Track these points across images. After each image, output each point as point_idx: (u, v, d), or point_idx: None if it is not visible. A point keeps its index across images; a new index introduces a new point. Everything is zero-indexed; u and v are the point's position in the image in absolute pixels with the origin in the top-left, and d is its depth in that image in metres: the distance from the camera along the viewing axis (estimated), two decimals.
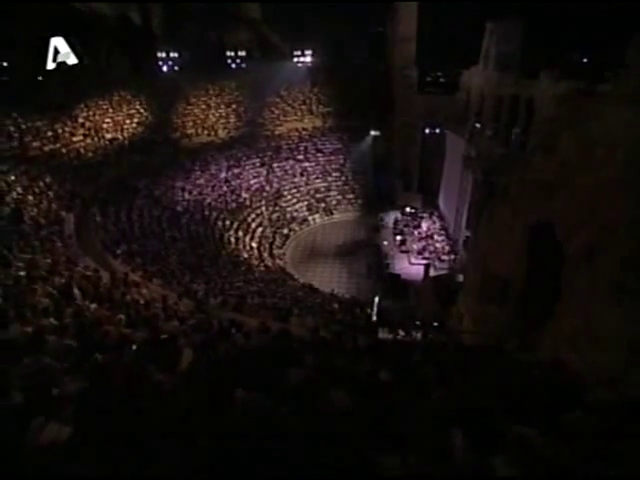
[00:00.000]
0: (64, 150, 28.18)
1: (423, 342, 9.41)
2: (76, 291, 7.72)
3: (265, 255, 26.50)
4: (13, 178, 20.06)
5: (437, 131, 34.76)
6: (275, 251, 27.94)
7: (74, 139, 30.01)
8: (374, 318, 12.76)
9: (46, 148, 27.13)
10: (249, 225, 29.67)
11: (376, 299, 13.96)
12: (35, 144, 26.57)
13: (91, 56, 39.06)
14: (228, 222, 28.43)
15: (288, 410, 3.17)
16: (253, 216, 30.94)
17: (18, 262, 9.24)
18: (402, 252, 27.04)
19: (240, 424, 2.87)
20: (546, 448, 2.82)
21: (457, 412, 3.26)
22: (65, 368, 3.56)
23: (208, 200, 30.00)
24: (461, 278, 18.74)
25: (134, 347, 4.22)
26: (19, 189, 19.02)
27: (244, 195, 32.75)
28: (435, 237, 28.14)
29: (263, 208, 32.39)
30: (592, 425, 3.49)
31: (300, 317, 10.52)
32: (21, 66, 34.37)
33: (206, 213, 28.19)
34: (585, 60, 44.56)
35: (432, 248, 26.78)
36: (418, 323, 11.41)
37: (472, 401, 3.72)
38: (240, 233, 27.94)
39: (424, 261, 24.65)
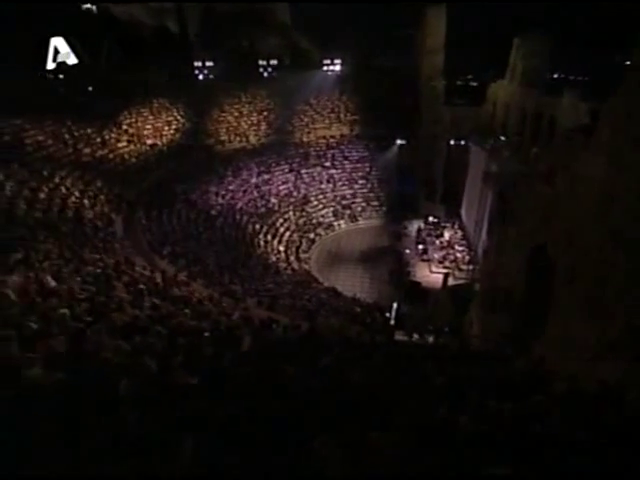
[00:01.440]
0: (111, 155, 30.59)
1: (432, 344, 10.64)
2: (142, 287, 9.39)
3: (292, 258, 28.07)
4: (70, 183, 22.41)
5: (462, 143, 35.57)
6: (301, 255, 29.47)
7: (119, 145, 32.42)
8: (392, 322, 14.02)
9: (96, 154, 29.62)
10: (277, 229, 31.33)
11: (395, 304, 15.21)
12: (86, 150, 29.01)
13: (131, 62, 41.45)
14: (258, 226, 30.18)
15: (318, 383, 4.60)
16: (281, 221, 32.60)
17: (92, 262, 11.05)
18: (423, 261, 28.06)
19: (289, 391, 4.30)
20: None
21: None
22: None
23: (239, 204, 31.85)
24: (477, 287, 19.77)
25: (206, 334, 5.73)
26: (77, 193, 21.26)
27: (273, 200, 34.46)
28: (456, 247, 29.03)
29: (291, 213, 34.01)
30: (547, 408, 4.77)
31: (326, 318, 11.95)
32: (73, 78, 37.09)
33: (237, 217, 30.03)
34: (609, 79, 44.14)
35: (452, 258, 27.71)
36: (431, 328, 12.62)
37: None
38: (269, 237, 29.63)
39: (444, 270, 25.64)
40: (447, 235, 31.29)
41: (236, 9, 72.06)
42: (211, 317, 7.85)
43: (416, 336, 12.29)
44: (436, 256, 28.31)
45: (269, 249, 27.75)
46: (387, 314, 14.66)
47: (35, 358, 3.69)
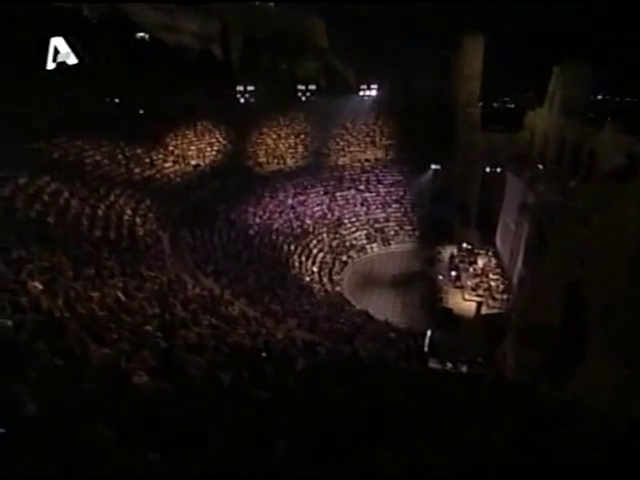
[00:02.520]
0: (158, 175, 32.60)
1: (466, 374, 10.90)
2: (196, 306, 10.28)
3: (325, 280, 28.71)
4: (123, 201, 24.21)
5: (498, 170, 35.45)
6: (334, 277, 30.07)
7: (166, 165, 34.49)
8: (426, 349, 14.28)
9: (145, 173, 31.69)
10: (311, 250, 32.15)
11: (429, 332, 15.47)
12: (137, 170, 31.13)
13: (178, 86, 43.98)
14: (293, 246, 31.11)
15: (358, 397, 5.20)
16: (315, 242, 33.43)
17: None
18: (456, 287, 27.97)
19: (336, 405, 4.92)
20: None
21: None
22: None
23: (276, 225, 32.97)
24: (513, 317, 19.63)
25: (264, 354, 6.42)
26: (129, 211, 22.93)
27: (308, 221, 35.42)
28: (490, 275, 28.78)
29: (324, 235, 34.82)
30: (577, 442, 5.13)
31: (363, 342, 12.44)
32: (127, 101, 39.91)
33: (273, 237, 31.11)
34: None
35: (486, 286, 27.48)
36: (464, 357, 12.84)
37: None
38: (303, 257, 30.47)
39: (477, 298, 25.52)
40: (481, 262, 31.07)
41: (276, 34, 75.69)
42: (261, 336, 8.56)
43: (449, 365, 12.54)
44: (469, 283, 28.16)
45: (303, 270, 28.53)
46: (421, 341, 14.94)
47: (137, 368, 4.48)
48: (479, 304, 23.76)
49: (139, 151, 33.48)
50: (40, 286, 7.29)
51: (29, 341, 4.09)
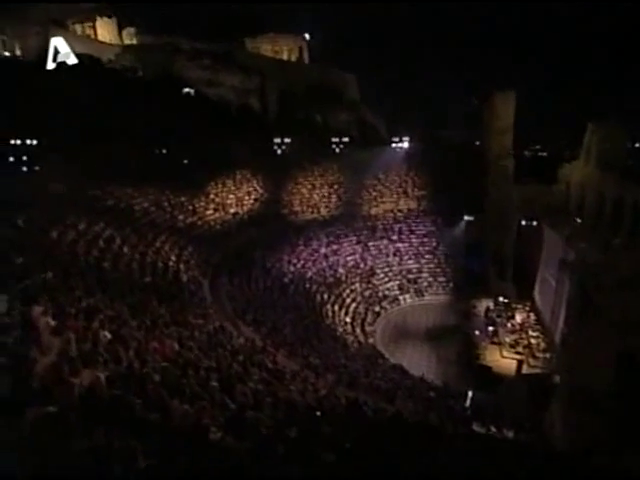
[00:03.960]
0: (200, 222, 34.28)
1: (514, 441, 10.48)
2: (244, 358, 10.62)
3: (358, 331, 28.49)
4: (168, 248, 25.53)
5: (534, 223, 35.07)
6: (367, 327, 29.80)
7: (207, 213, 36.27)
8: (468, 411, 13.81)
9: (187, 220, 33.40)
10: (344, 300, 32.20)
11: (470, 392, 14.99)
12: (180, 217, 32.91)
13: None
14: (326, 295, 31.31)
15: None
16: (348, 291, 33.52)
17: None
18: (493, 343, 27.01)
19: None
20: None
21: None
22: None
23: (309, 273, 33.46)
24: (557, 379, 18.68)
25: (318, 414, 6.62)
26: (173, 257, 24.12)
27: (340, 270, 35.74)
28: (530, 332, 27.73)
29: (357, 284, 34.92)
30: None
31: (403, 400, 12.26)
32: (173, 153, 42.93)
33: (307, 285, 31.50)
34: None
35: (526, 343, 26.40)
36: (509, 422, 12.36)
37: None
38: (336, 307, 30.52)
39: (517, 356, 24.52)
40: (519, 318, 30.06)
41: (310, 89, 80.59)
42: (308, 392, 8.73)
43: (494, 429, 12.08)
44: (507, 340, 27.15)
45: (336, 320, 28.50)
46: (462, 402, 14.46)
47: (211, 424, 4.82)
48: (520, 363, 22.80)
49: (183, 199, 35.49)
50: (109, 335, 7.89)
51: (123, 395, 4.53)
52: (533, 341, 26.46)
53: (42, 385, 3.88)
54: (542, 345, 25.82)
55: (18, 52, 63.47)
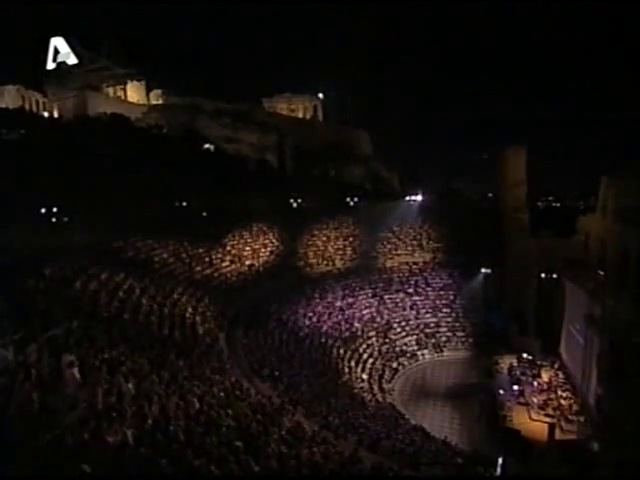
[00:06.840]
0: (216, 274, 34.46)
1: None
2: (263, 418, 10.19)
3: (375, 388, 27.30)
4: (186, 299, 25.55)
5: (554, 276, 34.35)
6: (384, 385, 28.57)
7: (223, 264, 36.57)
8: None
9: (204, 272, 33.65)
10: (360, 355, 31.21)
11: (500, 460, 13.90)
12: (198, 268, 33.21)
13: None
14: (342, 350, 30.42)
15: None
16: (364, 346, 32.56)
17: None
18: (520, 404, 25.45)
19: None
20: None
21: None
22: None
23: (325, 327, 32.77)
24: (596, 447, 17.26)
25: None
26: (190, 309, 24.05)
27: (356, 324, 34.97)
28: (559, 392, 26.12)
29: (374, 339, 33.98)
30: None
31: (429, 467, 11.42)
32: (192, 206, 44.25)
33: (323, 339, 30.74)
34: None
35: (556, 404, 24.78)
36: None
37: None
38: (352, 363, 29.53)
39: (547, 419, 22.95)
40: (546, 376, 28.50)
41: (324, 144, 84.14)
42: (331, 456, 8.24)
43: None
44: (535, 400, 25.57)
45: (353, 377, 27.46)
46: (492, 469, 13.36)
47: None
48: (552, 426, 21.26)
49: (200, 250, 36.01)
50: (133, 390, 7.75)
51: (152, 455, 4.36)
52: (564, 402, 24.86)
53: (75, 440, 3.79)
54: (574, 407, 24.19)
55: (55, 113, 68.84)
